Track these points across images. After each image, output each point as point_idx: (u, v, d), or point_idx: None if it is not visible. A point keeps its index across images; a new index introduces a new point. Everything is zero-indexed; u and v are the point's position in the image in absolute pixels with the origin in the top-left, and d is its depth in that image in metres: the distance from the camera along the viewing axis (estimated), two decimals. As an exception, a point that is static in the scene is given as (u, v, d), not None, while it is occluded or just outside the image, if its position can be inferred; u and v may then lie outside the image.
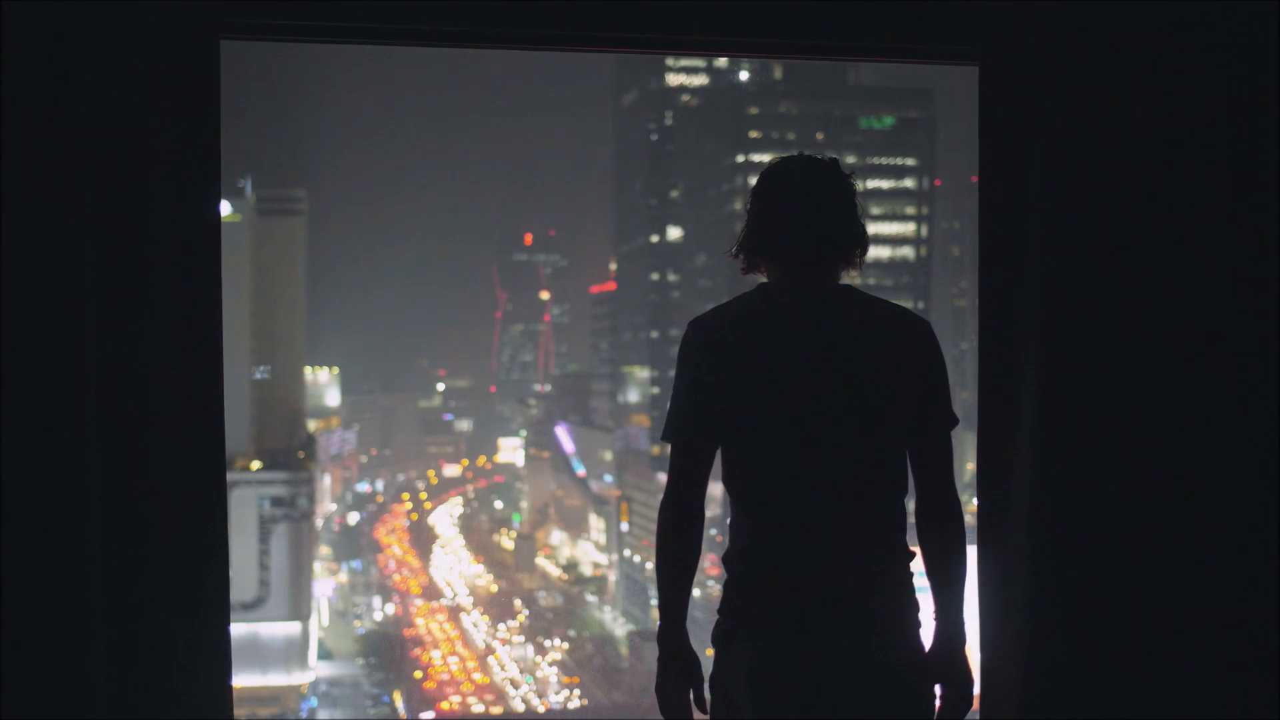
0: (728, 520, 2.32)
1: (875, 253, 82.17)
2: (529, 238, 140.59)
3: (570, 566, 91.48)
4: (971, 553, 2.74)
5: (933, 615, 2.26)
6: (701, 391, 2.26)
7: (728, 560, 2.27)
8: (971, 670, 2.27)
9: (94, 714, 2.37)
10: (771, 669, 2.17)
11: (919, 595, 2.27)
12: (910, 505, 2.32)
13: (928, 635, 2.28)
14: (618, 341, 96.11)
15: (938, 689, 2.27)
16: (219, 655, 2.51)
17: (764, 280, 2.35)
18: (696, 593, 70.04)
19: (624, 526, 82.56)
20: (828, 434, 2.21)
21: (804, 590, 2.19)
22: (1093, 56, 2.69)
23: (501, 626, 77.61)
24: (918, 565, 2.28)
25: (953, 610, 2.27)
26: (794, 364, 2.22)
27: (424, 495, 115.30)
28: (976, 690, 2.73)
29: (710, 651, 2.37)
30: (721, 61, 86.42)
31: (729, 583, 2.27)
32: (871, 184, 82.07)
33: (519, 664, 71.75)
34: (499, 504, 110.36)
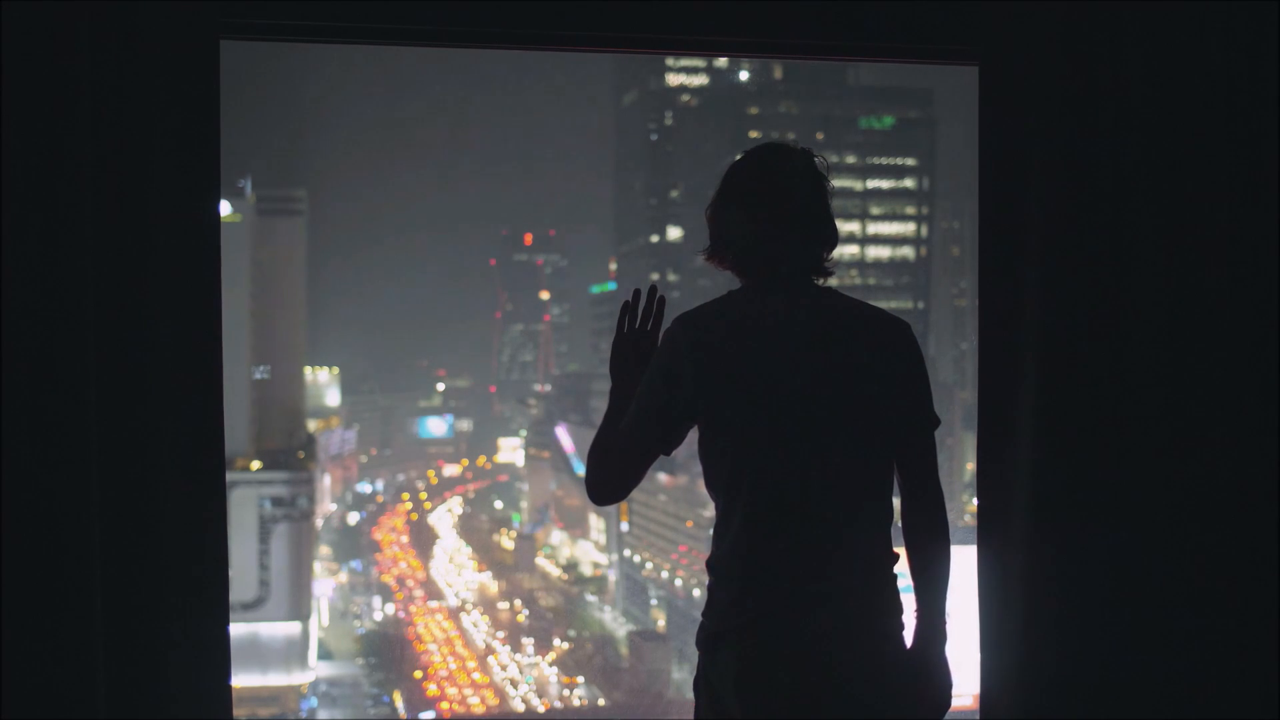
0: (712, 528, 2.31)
1: (875, 252, 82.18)
2: (529, 238, 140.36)
3: (570, 566, 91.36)
4: (971, 553, 2.73)
5: (914, 613, 2.25)
6: (679, 394, 2.22)
7: (713, 564, 2.25)
8: (949, 671, 2.26)
9: (94, 714, 2.38)
10: (759, 671, 2.16)
11: (904, 596, 2.27)
12: (895, 505, 2.31)
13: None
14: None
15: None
16: (219, 655, 2.51)
17: (736, 277, 2.33)
18: (695, 593, 69.97)
19: (624, 526, 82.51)
20: (814, 437, 2.19)
21: (790, 593, 2.18)
22: (1093, 56, 2.70)
23: (501, 626, 77.62)
24: (902, 567, 2.27)
25: (933, 610, 2.25)
26: (782, 367, 2.21)
27: (424, 495, 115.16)
28: (972, 690, 2.73)
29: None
30: (721, 61, 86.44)
31: (714, 586, 2.25)
32: (871, 184, 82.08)
33: (519, 664, 71.70)
34: (499, 504, 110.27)
